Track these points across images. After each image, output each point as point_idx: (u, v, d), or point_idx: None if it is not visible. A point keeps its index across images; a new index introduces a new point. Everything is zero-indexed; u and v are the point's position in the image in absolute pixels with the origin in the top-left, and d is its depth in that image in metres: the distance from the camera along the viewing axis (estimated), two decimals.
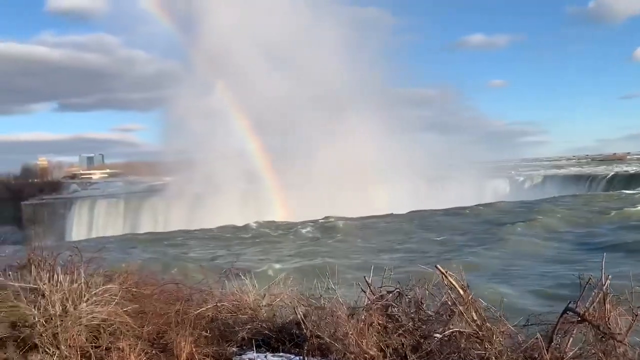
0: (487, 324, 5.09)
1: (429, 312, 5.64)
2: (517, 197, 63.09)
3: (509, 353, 4.79)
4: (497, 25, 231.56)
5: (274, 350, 6.40)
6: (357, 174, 74.25)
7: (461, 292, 5.28)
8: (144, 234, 57.40)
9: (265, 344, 6.60)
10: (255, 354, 6.10)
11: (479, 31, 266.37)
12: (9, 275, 7.25)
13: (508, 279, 22.97)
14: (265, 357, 6.04)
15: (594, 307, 4.77)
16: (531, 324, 5.12)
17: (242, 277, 8.81)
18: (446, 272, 5.36)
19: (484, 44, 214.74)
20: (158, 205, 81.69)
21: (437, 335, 5.27)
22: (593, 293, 4.86)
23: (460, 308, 5.20)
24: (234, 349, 6.61)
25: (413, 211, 53.02)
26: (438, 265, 5.44)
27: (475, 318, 5.13)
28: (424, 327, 5.50)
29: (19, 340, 6.64)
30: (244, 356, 6.27)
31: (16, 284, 6.98)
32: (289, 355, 6.13)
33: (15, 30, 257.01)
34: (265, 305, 7.88)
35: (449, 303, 5.43)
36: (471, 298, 5.25)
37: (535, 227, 37.74)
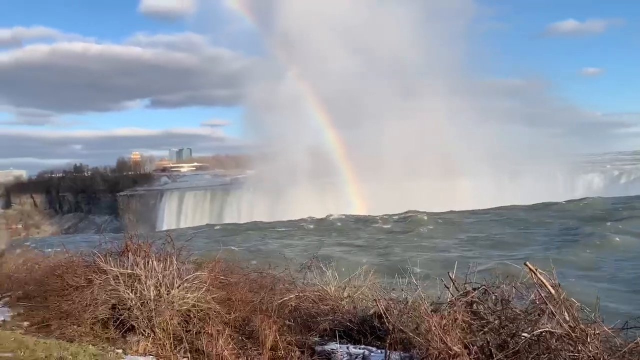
0: (581, 325, 4.83)
1: (517, 311, 5.42)
2: (612, 193, 59.13)
3: (605, 356, 4.52)
4: (591, 10, 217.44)
5: (356, 342, 6.44)
6: (436, 164, 72.55)
7: (552, 290, 5.04)
8: (228, 224, 59.54)
9: (346, 335, 6.66)
10: (337, 345, 6.17)
11: (570, 17, 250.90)
12: (110, 260, 7.80)
13: (602, 280, 21.63)
14: (347, 348, 6.09)
15: None
16: (630, 328, 4.80)
17: (323, 269, 8.94)
18: (536, 269, 5.13)
19: (576, 30, 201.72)
20: (241, 198, 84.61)
21: (525, 334, 5.06)
22: None
23: (551, 307, 4.97)
24: (316, 338, 6.72)
25: (498, 207, 51.14)
26: (527, 262, 5.22)
27: (567, 318, 4.87)
28: (511, 325, 5.30)
29: (118, 322, 7.15)
30: (326, 346, 6.35)
31: (115, 270, 7.51)
32: (370, 347, 6.15)
33: (112, 32, 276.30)
34: (346, 297, 7.95)
35: (538, 302, 5.21)
36: (563, 297, 5.00)
37: (631, 226, 35.20)
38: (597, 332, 4.78)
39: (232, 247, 31.95)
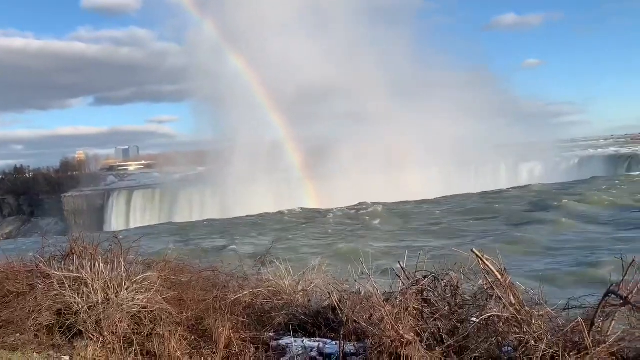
0: (526, 307, 5.01)
1: (466, 297, 5.57)
2: (552, 179, 61.73)
3: (549, 337, 4.71)
4: (530, 3, 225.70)
5: (311, 335, 6.45)
6: (386, 160, 73.82)
7: (498, 276, 5.21)
8: (179, 223, 58.42)
9: (301, 328, 6.66)
10: (292, 339, 6.16)
11: (510, 11, 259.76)
12: (53, 264, 7.49)
13: (545, 262, 22.56)
14: (302, 341, 6.09)
15: (638, 289, 4.64)
16: (571, 308, 5.01)
17: (277, 264, 8.90)
18: (482, 255, 5.28)
19: (516, 23, 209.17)
20: (193, 195, 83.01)
21: (474, 319, 5.22)
22: (635, 275, 4.73)
23: (498, 292, 5.13)
24: (271, 333, 6.69)
25: (446, 196, 52.45)
26: (474, 249, 5.36)
27: (513, 302, 5.05)
28: (461, 311, 5.45)
29: (64, 328, 6.88)
30: (281, 341, 6.34)
31: (60, 273, 7.22)
32: (325, 340, 6.17)
33: (53, 27, 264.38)
34: (300, 291, 7.94)
35: (486, 287, 5.36)
36: (509, 282, 5.17)
37: (569, 210, 36.91)
38: (541, 313, 4.98)
39: (183, 246, 31.42)
